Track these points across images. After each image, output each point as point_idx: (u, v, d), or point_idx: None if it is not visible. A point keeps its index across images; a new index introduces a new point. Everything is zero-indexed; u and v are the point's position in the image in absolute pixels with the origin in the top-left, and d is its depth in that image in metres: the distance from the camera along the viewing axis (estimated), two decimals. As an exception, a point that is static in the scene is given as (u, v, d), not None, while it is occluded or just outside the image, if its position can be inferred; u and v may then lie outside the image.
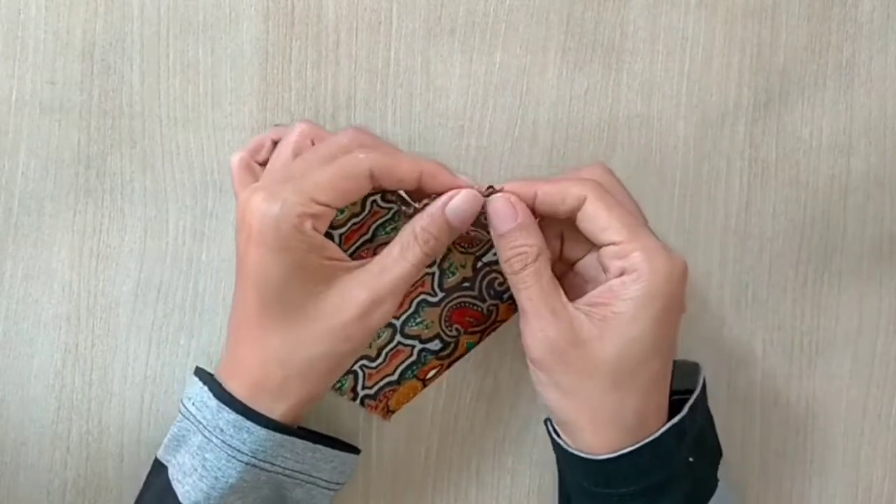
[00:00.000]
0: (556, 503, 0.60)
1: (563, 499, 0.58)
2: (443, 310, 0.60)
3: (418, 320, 0.60)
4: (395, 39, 0.60)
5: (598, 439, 0.51)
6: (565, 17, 0.61)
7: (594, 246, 0.52)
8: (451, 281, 0.59)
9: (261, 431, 0.51)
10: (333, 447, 0.55)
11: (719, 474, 0.55)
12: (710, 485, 0.54)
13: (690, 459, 0.52)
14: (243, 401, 0.51)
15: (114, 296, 0.60)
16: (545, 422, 0.55)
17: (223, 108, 0.60)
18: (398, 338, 0.60)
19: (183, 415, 0.53)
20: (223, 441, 0.51)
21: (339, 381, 0.59)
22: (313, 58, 0.60)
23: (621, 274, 0.50)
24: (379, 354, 0.60)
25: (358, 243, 0.58)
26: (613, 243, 0.50)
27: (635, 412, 0.50)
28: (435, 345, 0.60)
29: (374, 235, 0.59)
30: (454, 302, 0.59)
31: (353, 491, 0.61)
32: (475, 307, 0.59)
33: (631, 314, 0.49)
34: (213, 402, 0.51)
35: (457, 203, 0.51)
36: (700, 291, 0.62)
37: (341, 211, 0.57)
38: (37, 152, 0.59)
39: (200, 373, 0.53)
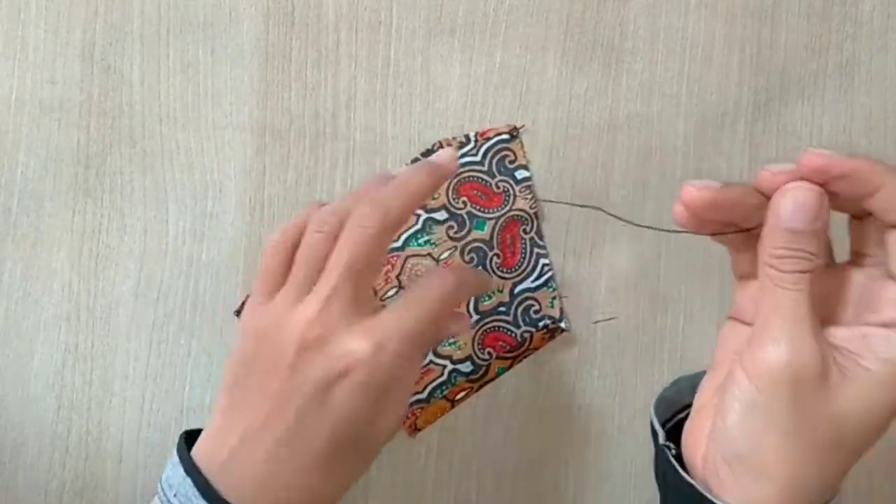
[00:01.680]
0: (572, 497, 0.59)
1: None
2: (477, 332, 0.60)
3: (451, 341, 0.60)
4: (395, 39, 0.60)
5: (779, 496, 0.41)
6: (565, 17, 0.61)
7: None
8: (486, 304, 0.60)
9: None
10: None
11: None
12: None
13: None
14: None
15: (114, 296, 0.60)
16: (663, 448, 0.46)
17: (223, 108, 0.60)
18: (430, 356, 0.60)
19: (162, 502, 0.48)
20: None
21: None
22: (313, 57, 0.60)
23: (891, 326, 0.41)
24: None
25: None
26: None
27: (830, 483, 0.42)
28: (466, 366, 0.60)
29: (404, 244, 0.59)
30: (488, 325, 0.60)
31: (353, 491, 0.61)
32: (509, 332, 0.60)
33: (883, 379, 0.40)
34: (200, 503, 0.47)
35: (470, 278, 0.51)
36: (700, 291, 0.62)
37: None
38: (36, 152, 0.59)
39: (184, 457, 0.48)
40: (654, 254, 0.61)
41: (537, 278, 0.60)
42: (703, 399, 0.46)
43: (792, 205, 0.42)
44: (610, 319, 0.60)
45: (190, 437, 0.49)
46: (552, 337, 0.60)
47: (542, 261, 0.60)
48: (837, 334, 0.42)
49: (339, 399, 0.46)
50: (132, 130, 0.60)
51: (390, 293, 0.60)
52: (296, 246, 0.49)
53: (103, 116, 0.59)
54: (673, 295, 0.62)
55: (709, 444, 0.44)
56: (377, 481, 0.61)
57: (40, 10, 0.59)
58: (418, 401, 0.60)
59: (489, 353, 0.60)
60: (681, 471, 0.44)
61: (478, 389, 0.61)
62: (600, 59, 0.61)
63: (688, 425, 0.46)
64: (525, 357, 0.60)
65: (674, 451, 0.45)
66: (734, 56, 0.61)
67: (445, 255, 0.59)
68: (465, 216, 0.59)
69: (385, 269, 0.59)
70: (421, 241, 0.59)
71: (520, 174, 0.59)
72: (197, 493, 0.46)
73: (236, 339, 0.50)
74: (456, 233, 0.59)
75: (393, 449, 0.61)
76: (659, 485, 0.47)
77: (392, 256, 0.59)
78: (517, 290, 0.59)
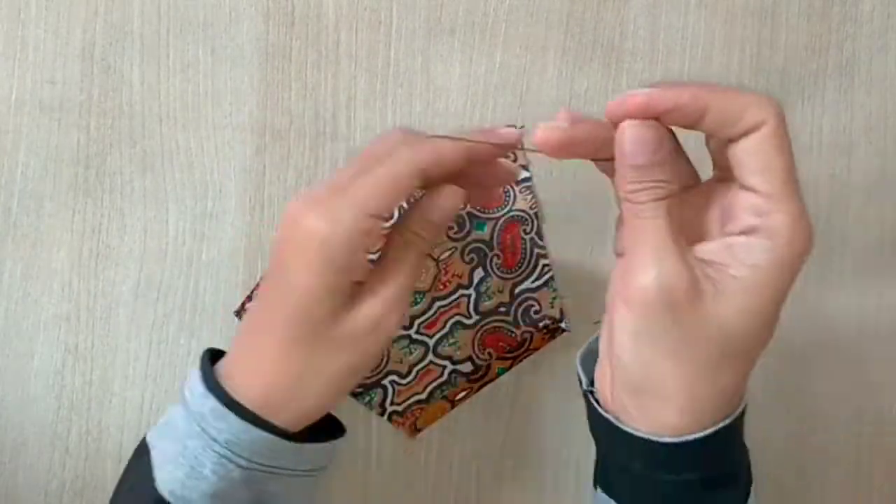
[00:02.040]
0: (571, 497, 0.60)
1: (600, 478, 0.51)
2: (477, 333, 0.60)
3: (451, 341, 0.60)
4: (395, 39, 0.60)
5: (675, 416, 0.43)
6: (565, 17, 0.61)
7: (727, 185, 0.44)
8: (487, 305, 0.60)
9: (237, 423, 0.49)
10: (318, 437, 0.52)
11: None
12: (749, 467, 0.49)
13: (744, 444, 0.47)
14: (253, 407, 0.49)
15: (113, 296, 0.60)
16: (586, 394, 0.48)
17: (223, 108, 0.60)
18: (430, 357, 0.60)
19: (181, 400, 0.51)
20: (202, 428, 0.49)
21: (367, 395, 0.60)
22: (313, 57, 0.60)
23: (749, 232, 0.42)
24: (410, 372, 0.60)
25: None
26: (759, 192, 0.41)
27: (724, 395, 0.43)
28: (466, 367, 0.60)
29: None
30: (489, 326, 0.60)
31: (353, 491, 0.61)
32: (509, 333, 0.60)
33: (751, 283, 0.42)
34: (201, 389, 0.49)
35: (439, 201, 0.48)
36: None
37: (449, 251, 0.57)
38: (36, 152, 0.59)
39: (203, 358, 0.51)
40: (654, 254, 0.61)
41: (537, 279, 0.60)
42: (603, 341, 0.47)
43: (630, 142, 0.42)
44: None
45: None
46: (552, 337, 0.60)
47: (543, 261, 0.60)
48: (706, 249, 0.43)
49: (295, 276, 0.47)
50: (132, 130, 0.60)
51: None
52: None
53: (103, 116, 0.59)
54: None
55: (612, 380, 0.45)
56: (378, 481, 0.61)
57: (40, 10, 0.59)
58: (418, 401, 0.60)
59: (489, 353, 0.60)
60: (597, 406, 0.46)
61: (478, 390, 0.61)
62: (600, 59, 0.61)
63: (597, 371, 0.47)
64: (525, 357, 0.60)
65: (596, 396, 0.47)
66: (734, 56, 0.61)
67: (445, 255, 0.59)
68: (465, 216, 0.59)
69: None
70: None
71: (520, 174, 0.59)
72: (200, 381, 0.49)
73: None
74: (456, 233, 0.59)
75: (393, 449, 0.61)
76: (591, 434, 0.49)
77: None
78: (517, 290, 0.59)
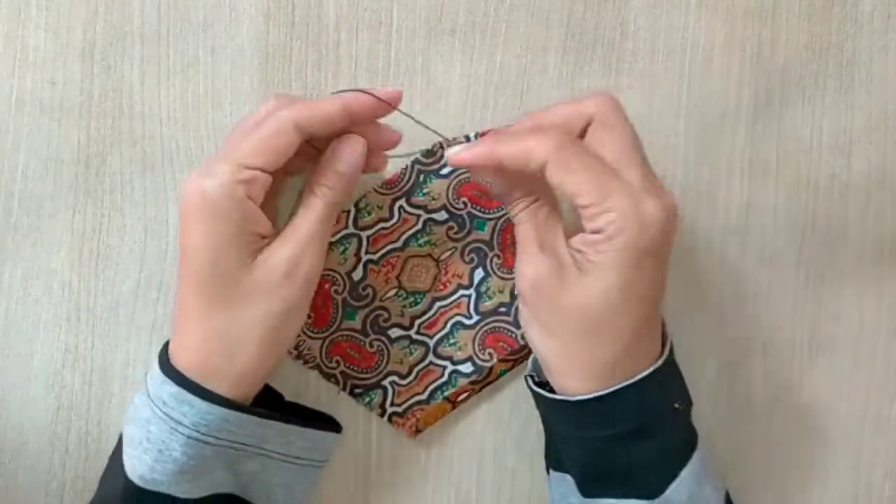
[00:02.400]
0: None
1: (550, 459, 0.58)
2: (477, 333, 0.60)
3: (452, 341, 0.60)
4: (395, 39, 0.60)
5: (572, 382, 0.51)
6: (565, 17, 0.61)
7: None
8: (487, 305, 0.60)
9: (202, 404, 0.50)
10: (296, 423, 0.54)
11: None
12: (693, 431, 0.54)
13: (676, 406, 0.52)
14: (194, 377, 0.51)
15: (113, 296, 0.60)
16: (525, 378, 0.56)
17: (223, 108, 0.60)
18: (430, 357, 0.60)
19: (145, 389, 0.53)
20: (165, 413, 0.50)
21: (367, 396, 0.60)
22: (314, 58, 0.60)
23: (591, 231, 0.49)
24: (410, 372, 0.60)
25: (386, 249, 0.59)
26: (583, 206, 0.49)
27: (607, 361, 0.50)
28: (466, 367, 0.60)
29: (405, 245, 0.59)
30: (489, 326, 0.60)
31: (353, 491, 0.61)
32: (510, 333, 0.60)
33: (602, 268, 0.49)
34: (158, 375, 0.51)
35: (341, 152, 0.52)
36: (700, 291, 0.62)
37: (368, 213, 0.57)
38: (36, 152, 0.59)
39: (163, 347, 0.54)
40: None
41: None
42: None
43: (490, 182, 0.53)
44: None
45: None
46: (553, 337, 0.60)
47: None
48: (575, 240, 0.50)
49: (186, 236, 0.50)
50: (132, 130, 0.60)
51: (390, 293, 0.60)
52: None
53: (103, 117, 0.59)
54: (673, 296, 0.62)
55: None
56: (378, 480, 0.61)
57: (40, 11, 0.59)
58: (418, 402, 0.60)
59: (490, 354, 0.60)
60: (527, 380, 0.55)
61: (479, 391, 0.61)
62: (601, 59, 0.61)
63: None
64: (526, 358, 0.60)
65: (536, 380, 0.55)
66: (734, 56, 0.61)
67: (446, 255, 0.59)
68: (466, 216, 0.59)
69: (385, 269, 0.59)
70: (421, 241, 0.59)
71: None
72: (157, 366, 0.52)
73: None
74: (456, 233, 0.59)
75: (393, 449, 0.61)
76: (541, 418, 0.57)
77: (392, 257, 0.59)
78: (519, 301, 0.59)
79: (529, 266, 0.51)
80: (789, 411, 0.63)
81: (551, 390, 0.53)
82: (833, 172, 0.62)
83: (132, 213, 0.60)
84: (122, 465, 0.52)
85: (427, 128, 0.55)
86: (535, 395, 0.54)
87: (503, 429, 0.61)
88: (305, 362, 0.60)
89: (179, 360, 0.52)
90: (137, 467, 0.51)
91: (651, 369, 0.50)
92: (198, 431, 0.50)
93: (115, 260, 0.60)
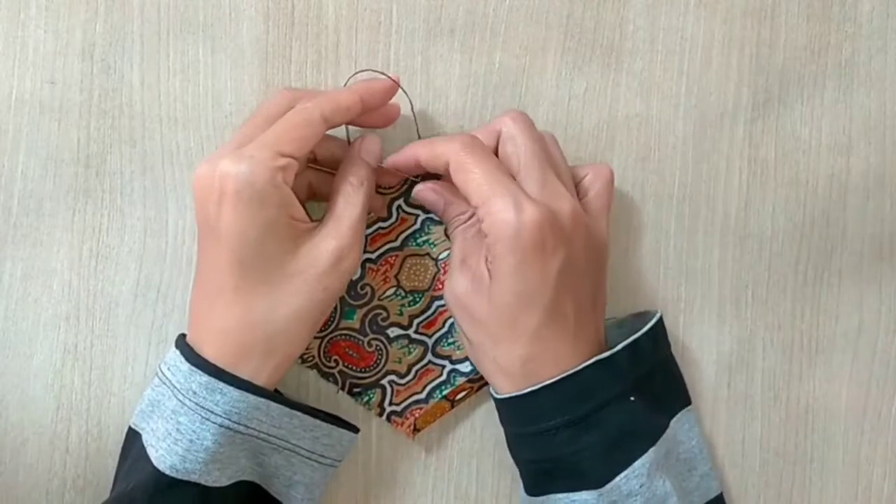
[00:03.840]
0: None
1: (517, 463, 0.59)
2: None
3: (450, 341, 0.60)
4: (395, 39, 0.60)
5: (499, 383, 0.55)
6: (565, 18, 0.61)
7: None
8: None
9: (234, 392, 0.51)
10: (322, 418, 0.55)
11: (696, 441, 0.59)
12: (655, 428, 0.55)
13: (632, 398, 0.54)
14: (224, 365, 0.52)
15: (113, 295, 0.60)
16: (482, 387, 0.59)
17: (223, 108, 0.60)
18: (429, 356, 0.60)
19: (160, 379, 0.54)
20: (196, 403, 0.51)
21: (366, 395, 0.60)
22: (313, 58, 0.60)
23: (485, 235, 0.52)
24: (409, 371, 0.60)
25: (384, 248, 0.59)
26: (475, 208, 0.52)
27: (523, 360, 0.53)
28: (465, 366, 0.60)
29: (403, 245, 0.59)
30: None
31: (353, 490, 0.61)
32: None
33: (494, 274, 0.52)
34: (185, 366, 0.52)
35: (367, 146, 0.56)
36: (700, 291, 0.62)
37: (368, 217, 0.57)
38: (36, 152, 0.59)
39: (178, 338, 0.55)
40: (654, 254, 0.61)
41: None
42: None
43: (424, 203, 0.58)
44: (609, 320, 0.60)
45: None
46: (551, 336, 0.60)
47: None
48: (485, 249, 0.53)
49: (224, 220, 0.50)
50: (132, 130, 0.60)
51: (388, 293, 0.60)
52: (271, 119, 0.54)
53: (103, 117, 0.59)
54: (672, 296, 0.62)
55: None
56: (377, 478, 0.61)
57: (40, 11, 0.59)
58: (417, 401, 0.60)
59: None
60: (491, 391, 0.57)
61: (478, 390, 0.61)
62: (599, 59, 0.61)
63: None
64: None
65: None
66: (733, 56, 0.61)
67: (444, 254, 0.60)
68: None
69: (383, 268, 0.59)
70: (419, 240, 0.59)
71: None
72: (181, 358, 0.53)
73: None
74: None
75: (393, 449, 0.61)
76: None
77: (390, 256, 0.59)
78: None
79: (451, 281, 0.55)
80: (789, 410, 0.63)
81: None
82: (832, 172, 0.62)
83: (132, 213, 0.60)
84: (146, 459, 0.52)
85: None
86: (496, 402, 0.57)
87: (502, 427, 0.61)
88: (304, 361, 0.60)
89: (207, 349, 0.52)
90: (167, 458, 0.52)
91: (570, 371, 0.53)
92: (229, 419, 0.51)
93: (115, 260, 0.60)
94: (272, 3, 0.60)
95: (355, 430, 0.58)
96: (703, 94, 0.61)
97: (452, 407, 0.61)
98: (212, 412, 0.51)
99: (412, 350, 0.60)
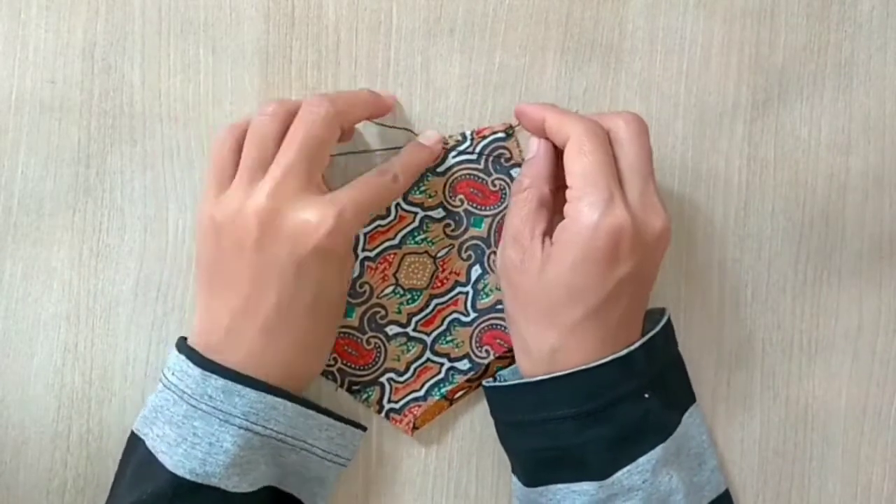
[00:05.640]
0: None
1: (513, 463, 0.59)
2: (474, 330, 0.60)
3: (449, 338, 0.60)
4: (395, 39, 0.60)
5: (523, 365, 0.55)
6: (564, 17, 0.61)
7: None
8: (484, 302, 0.60)
9: (252, 394, 0.52)
10: (336, 417, 0.56)
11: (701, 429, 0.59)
12: (668, 425, 0.55)
13: (646, 395, 0.54)
14: (248, 373, 0.53)
15: (114, 295, 0.60)
16: (482, 385, 0.59)
17: (224, 108, 0.60)
18: (428, 354, 0.60)
19: (165, 385, 0.54)
20: (213, 407, 0.52)
21: (365, 393, 0.60)
22: (314, 58, 0.60)
23: (565, 216, 0.53)
24: (408, 369, 0.60)
25: (383, 246, 0.59)
26: (569, 186, 0.52)
27: (552, 349, 0.53)
28: (464, 364, 0.60)
29: (401, 242, 0.59)
30: (486, 323, 0.60)
31: (353, 490, 0.61)
32: (507, 330, 0.60)
33: (555, 255, 0.52)
34: (196, 371, 0.52)
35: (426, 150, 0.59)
36: (699, 290, 0.62)
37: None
38: (37, 151, 0.60)
39: (179, 344, 0.55)
40: (654, 253, 0.62)
41: None
42: None
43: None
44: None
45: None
46: (550, 335, 0.60)
47: None
48: (554, 234, 0.53)
49: (313, 269, 0.52)
50: (133, 130, 0.60)
51: (387, 291, 0.60)
52: (242, 139, 0.54)
53: (104, 116, 0.60)
54: (672, 295, 0.62)
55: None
56: (377, 477, 0.61)
57: (41, 10, 0.59)
58: (415, 399, 0.60)
59: (487, 351, 0.60)
60: (489, 383, 0.58)
61: (476, 388, 0.61)
62: (599, 59, 0.61)
63: None
64: None
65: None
66: (733, 56, 0.61)
67: (443, 252, 0.60)
68: (462, 214, 0.59)
69: (382, 266, 0.59)
70: (418, 238, 0.59)
71: (515, 172, 0.59)
72: (190, 364, 0.53)
73: (197, 237, 0.54)
74: (453, 230, 0.59)
75: (393, 444, 0.61)
76: (497, 428, 0.59)
77: (389, 254, 0.59)
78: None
79: (503, 252, 0.55)
80: (788, 409, 0.63)
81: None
82: (831, 171, 0.62)
83: (132, 212, 0.60)
84: (157, 465, 0.53)
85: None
86: (488, 393, 0.58)
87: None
88: (304, 360, 0.60)
89: (232, 358, 0.53)
90: (186, 463, 0.52)
91: (587, 366, 0.53)
92: (248, 420, 0.52)
93: (115, 259, 0.60)
94: (272, 4, 0.60)
95: (363, 428, 0.58)
96: (702, 93, 0.61)
97: (451, 405, 0.61)
98: (230, 414, 0.52)
99: (411, 348, 0.60)
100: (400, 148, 0.59)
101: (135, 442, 0.54)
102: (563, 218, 0.53)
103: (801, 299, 0.63)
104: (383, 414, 0.60)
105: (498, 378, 0.58)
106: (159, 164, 0.60)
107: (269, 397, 0.53)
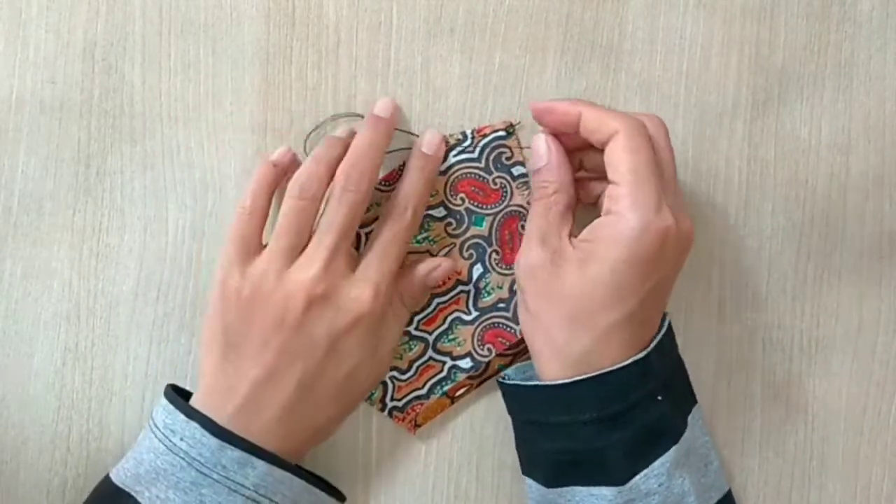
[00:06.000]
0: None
1: (523, 469, 0.58)
2: (476, 329, 0.60)
3: (451, 337, 0.60)
4: (395, 39, 0.60)
5: (548, 366, 0.54)
6: (564, 18, 0.61)
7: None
8: (486, 301, 0.60)
9: (264, 467, 0.53)
10: (322, 489, 0.56)
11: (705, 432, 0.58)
12: (678, 427, 0.55)
13: (659, 398, 0.53)
14: (282, 453, 0.54)
15: (114, 295, 0.60)
16: (497, 380, 0.58)
17: (224, 108, 0.60)
18: (430, 352, 0.60)
19: (169, 449, 0.53)
20: (225, 476, 0.52)
21: (372, 392, 0.60)
22: (314, 58, 0.60)
23: (605, 213, 0.52)
24: (410, 367, 0.60)
25: None
26: (615, 183, 0.51)
27: (585, 351, 0.52)
28: (466, 363, 0.60)
29: None
30: (488, 322, 0.60)
31: (353, 490, 0.61)
32: (509, 329, 0.60)
33: (597, 254, 0.51)
34: (213, 442, 0.52)
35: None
36: (699, 290, 0.62)
37: (366, 210, 0.57)
38: (37, 151, 0.60)
39: (190, 410, 0.54)
40: (654, 253, 0.61)
41: None
42: None
43: (533, 150, 0.56)
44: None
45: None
46: (551, 334, 0.60)
47: None
48: (584, 232, 0.53)
49: (350, 345, 0.55)
50: (133, 130, 0.60)
51: None
52: (264, 211, 0.56)
53: (104, 116, 0.60)
54: (672, 295, 0.62)
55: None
56: (377, 476, 0.61)
57: (41, 10, 0.59)
58: (417, 397, 0.60)
59: (489, 349, 0.60)
60: (499, 381, 0.58)
61: (478, 386, 0.61)
62: (599, 59, 0.61)
63: None
64: (525, 353, 0.60)
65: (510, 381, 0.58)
66: (733, 56, 0.61)
67: (444, 251, 0.60)
68: (464, 212, 0.59)
69: None
70: (419, 238, 0.59)
71: (516, 170, 0.60)
72: (205, 433, 0.52)
73: (214, 302, 0.54)
74: (454, 229, 0.59)
75: (393, 445, 0.61)
76: (513, 422, 0.58)
77: None
78: (516, 286, 0.59)
79: (526, 254, 0.54)
80: (788, 409, 0.63)
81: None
82: (831, 171, 0.62)
83: (132, 212, 0.60)
84: None
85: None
86: (507, 389, 0.57)
87: (502, 424, 0.61)
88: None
89: (249, 427, 0.53)
90: None
91: (612, 367, 0.52)
92: (257, 492, 0.52)
93: (115, 259, 0.60)
94: (273, 4, 0.60)
95: (342, 497, 0.59)
96: (702, 93, 0.61)
97: (452, 403, 0.61)
98: (241, 485, 0.52)
99: (413, 346, 0.60)
100: (400, 150, 0.59)
101: (122, 497, 0.53)
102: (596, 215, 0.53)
103: (801, 299, 0.63)
104: (386, 412, 0.60)
105: (505, 377, 0.58)
106: (159, 164, 0.60)
107: (279, 471, 0.53)
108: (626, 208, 0.51)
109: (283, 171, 0.58)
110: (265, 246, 0.56)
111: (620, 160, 0.51)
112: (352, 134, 0.57)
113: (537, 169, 0.55)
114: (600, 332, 0.52)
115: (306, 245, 0.55)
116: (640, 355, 0.53)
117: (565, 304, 0.52)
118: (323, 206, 0.55)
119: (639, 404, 0.53)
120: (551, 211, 0.54)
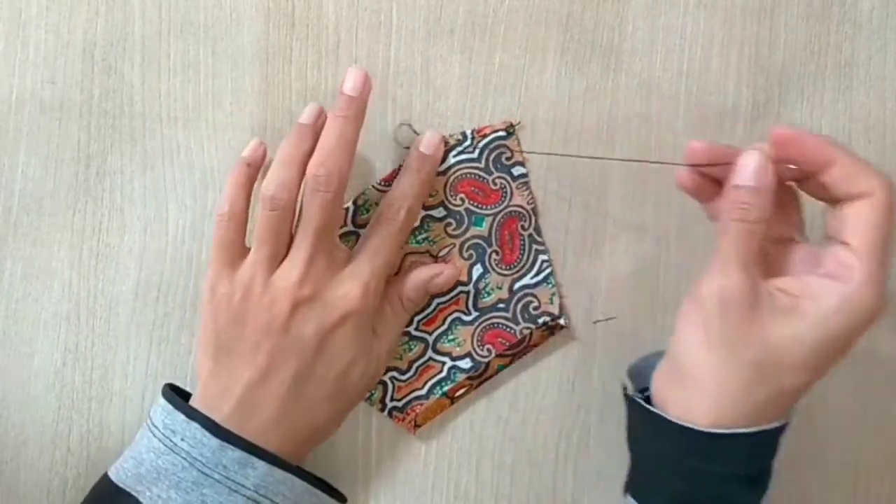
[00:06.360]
0: (570, 493, 0.61)
1: (633, 484, 0.54)
2: (476, 329, 0.60)
3: (451, 337, 0.60)
4: (395, 39, 0.60)
5: (710, 409, 0.49)
6: (564, 18, 0.61)
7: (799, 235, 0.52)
8: (486, 301, 0.60)
9: (265, 467, 0.53)
10: (323, 490, 0.57)
11: None
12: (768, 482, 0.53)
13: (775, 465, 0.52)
14: (283, 454, 0.54)
15: (114, 295, 0.60)
16: (632, 398, 0.53)
17: (224, 108, 0.60)
18: (430, 353, 0.60)
19: (171, 449, 0.53)
20: (226, 476, 0.52)
21: (370, 391, 0.60)
22: (314, 58, 0.60)
23: (829, 276, 0.47)
24: (410, 367, 0.60)
25: None
26: (852, 248, 0.47)
27: (756, 406, 0.49)
28: (465, 363, 0.60)
29: None
30: (487, 322, 0.60)
31: (353, 490, 0.61)
32: (508, 329, 0.60)
33: (812, 319, 0.47)
34: (214, 442, 0.52)
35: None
36: (699, 291, 0.62)
37: (366, 210, 0.58)
38: (37, 151, 0.60)
39: (190, 410, 0.54)
40: (654, 254, 0.62)
41: (536, 274, 0.60)
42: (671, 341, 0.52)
43: (740, 164, 0.49)
44: (609, 319, 0.60)
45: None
46: (552, 333, 0.60)
47: (542, 257, 0.60)
48: (785, 281, 0.49)
49: (340, 342, 0.55)
50: (133, 130, 0.60)
51: None
52: (243, 214, 0.56)
53: (104, 116, 0.60)
54: (673, 295, 0.62)
55: (662, 373, 0.52)
56: (377, 476, 0.61)
57: (41, 10, 0.59)
58: (417, 397, 0.60)
59: (488, 349, 0.60)
60: (644, 403, 0.51)
61: (477, 386, 0.61)
62: (599, 59, 0.61)
63: (656, 370, 0.53)
64: (525, 354, 0.60)
65: (640, 398, 0.52)
66: (733, 56, 0.61)
67: (444, 252, 0.60)
68: (463, 213, 0.59)
69: None
70: (419, 238, 0.59)
71: (516, 170, 0.60)
72: (206, 433, 0.53)
73: (205, 306, 0.55)
74: (454, 230, 0.59)
75: (393, 445, 0.61)
76: (629, 441, 0.54)
77: None
78: (516, 286, 0.59)
79: (726, 279, 0.48)
80: (788, 410, 0.63)
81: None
82: (832, 172, 0.62)
83: (132, 213, 0.60)
84: None
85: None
86: (651, 416, 0.51)
87: (502, 425, 0.61)
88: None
89: (245, 427, 0.53)
90: None
91: (778, 423, 0.50)
92: (257, 493, 0.53)
93: (115, 259, 0.60)
94: (273, 4, 0.60)
95: (343, 499, 0.59)
96: (702, 93, 0.61)
97: (452, 403, 0.61)
98: (241, 485, 0.52)
99: (413, 347, 0.60)
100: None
101: (122, 497, 0.53)
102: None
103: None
104: (386, 412, 0.60)
105: (632, 373, 0.55)
106: (159, 164, 0.60)
107: (280, 472, 0.53)
108: (861, 283, 0.46)
109: (257, 168, 0.57)
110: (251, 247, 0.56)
111: (868, 229, 0.47)
112: (321, 115, 0.56)
113: (741, 186, 0.49)
114: (779, 391, 0.48)
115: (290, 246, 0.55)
116: (786, 421, 0.50)
117: (756, 349, 0.48)
118: (299, 203, 0.55)
119: (770, 468, 0.51)
120: (752, 239, 0.48)
